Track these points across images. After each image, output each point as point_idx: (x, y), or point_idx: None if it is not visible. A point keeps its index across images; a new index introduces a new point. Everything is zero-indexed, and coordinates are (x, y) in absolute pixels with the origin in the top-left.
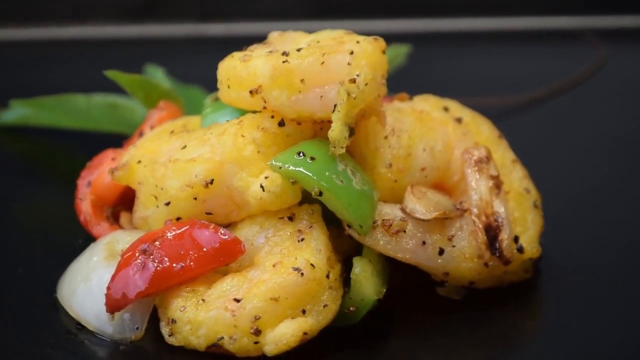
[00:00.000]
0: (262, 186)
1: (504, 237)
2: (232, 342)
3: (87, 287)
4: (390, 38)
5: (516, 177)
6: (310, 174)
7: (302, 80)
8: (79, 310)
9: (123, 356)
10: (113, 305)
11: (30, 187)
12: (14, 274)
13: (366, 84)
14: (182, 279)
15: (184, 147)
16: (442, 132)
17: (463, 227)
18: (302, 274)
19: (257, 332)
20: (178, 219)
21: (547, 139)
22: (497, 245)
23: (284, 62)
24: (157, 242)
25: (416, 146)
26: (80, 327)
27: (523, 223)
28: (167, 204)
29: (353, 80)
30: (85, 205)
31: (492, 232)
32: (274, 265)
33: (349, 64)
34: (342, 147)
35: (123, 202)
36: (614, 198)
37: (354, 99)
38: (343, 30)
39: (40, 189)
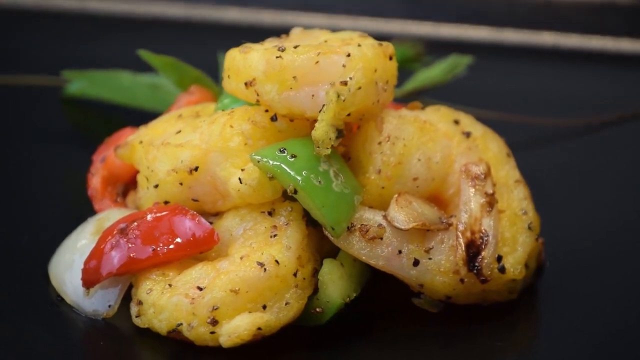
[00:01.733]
0: (240, 178)
1: (486, 255)
2: (190, 330)
3: (70, 261)
4: (462, 46)
5: (516, 197)
6: (287, 171)
7: (294, 77)
8: (61, 282)
9: (92, 332)
10: (87, 280)
11: (72, 158)
12: (17, 240)
13: (359, 88)
14: (152, 263)
15: (178, 131)
16: (443, 144)
17: (444, 240)
18: (265, 269)
19: (214, 322)
20: (166, 202)
21: (594, 167)
22: (477, 262)
23: (277, 57)
24: (135, 223)
25: (410, 155)
26: (61, 299)
27: (512, 244)
28: (156, 186)
29: (344, 83)
30: (95, 180)
31: (474, 248)
32: (241, 258)
33: (343, 65)
34: (327, 148)
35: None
36: (633, 240)
37: (343, 101)
38: (360, 32)
39: (80, 160)
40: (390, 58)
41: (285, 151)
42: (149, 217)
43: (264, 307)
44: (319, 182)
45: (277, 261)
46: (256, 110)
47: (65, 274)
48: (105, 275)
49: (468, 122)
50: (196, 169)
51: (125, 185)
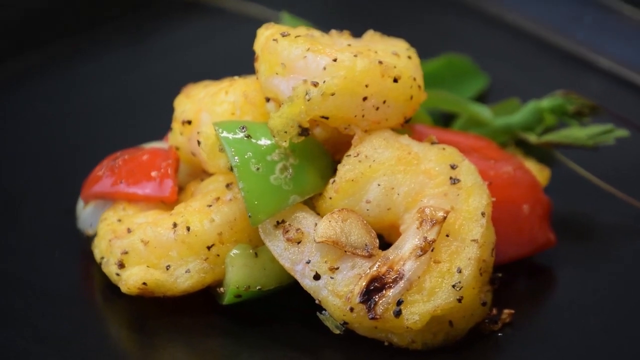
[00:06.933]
0: (198, 141)
1: (387, 294)
2: (105, 266)
3: None
4: None
5: (463, 255)
6: (231, 147)
7: (282, 64)
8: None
9: (66, 245)
10: (82, 195)
11: None
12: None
13: (332, 94)
14: (119, 196)
15: (205, 86)
16: (416, 181)
17: (356, 266)
18: (175, 231)
19: (121, 265)
20: (177, 149)
21: None
22: (374, 297)
23: (274, 40)
24: (126, 156)
25: (372, 177)
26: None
27: (428, 295)
28: (170, 129)
29: (315, 84)
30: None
31: (380, 284)
32: (170, 214)
33: (324, 68)
34: (285, 141)
35: None
36: None
37: (308, 101)
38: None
39: None
40: (395, 80)
41: (245, 130)
42: (139, 155)
43: (168, 267)
44: (257, 169)
45: (188, 228)
46: (256, 86)
47: None
48: (85, 194)
49: (466, 170)
50: (189, 122)
51: None
